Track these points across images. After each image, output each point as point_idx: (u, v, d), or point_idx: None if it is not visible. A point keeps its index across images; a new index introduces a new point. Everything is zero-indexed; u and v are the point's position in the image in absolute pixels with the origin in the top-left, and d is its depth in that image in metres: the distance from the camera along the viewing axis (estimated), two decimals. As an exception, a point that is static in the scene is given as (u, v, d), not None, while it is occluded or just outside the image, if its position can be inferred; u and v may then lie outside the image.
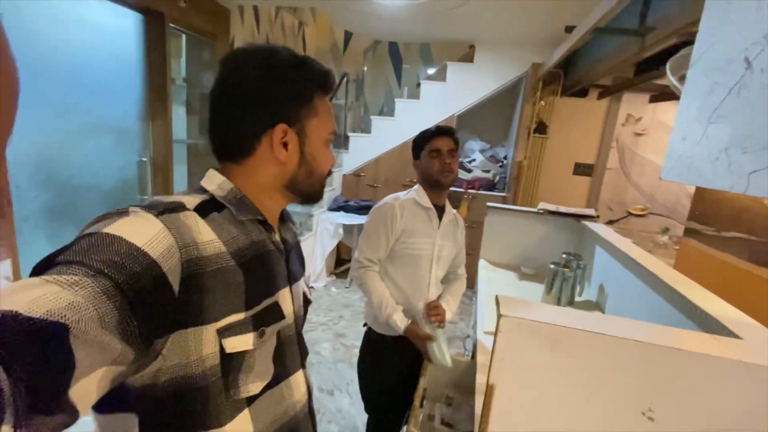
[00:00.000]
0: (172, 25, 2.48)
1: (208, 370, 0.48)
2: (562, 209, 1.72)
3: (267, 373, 0.56)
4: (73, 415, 0.34)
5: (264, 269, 0.57)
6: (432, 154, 1.24)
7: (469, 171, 3.56)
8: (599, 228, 1.53)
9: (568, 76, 3.32)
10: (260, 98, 0.55)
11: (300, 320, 0.66)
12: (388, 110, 4.24)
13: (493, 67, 3.36)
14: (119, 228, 0.41)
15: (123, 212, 0.44)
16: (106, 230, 0.41)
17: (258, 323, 0.53)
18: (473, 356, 1.22)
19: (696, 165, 0.94)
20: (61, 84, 1.90)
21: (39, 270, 0.38)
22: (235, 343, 0.50)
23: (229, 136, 0.57)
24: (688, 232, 1.15)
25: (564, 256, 1.46)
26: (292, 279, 0.64)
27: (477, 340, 1.21)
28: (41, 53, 1.76)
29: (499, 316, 0.63)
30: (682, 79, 1.50)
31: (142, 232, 0.42)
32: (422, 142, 1.27)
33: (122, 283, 0.38)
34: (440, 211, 1.31)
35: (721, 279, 1.00)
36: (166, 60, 2.44)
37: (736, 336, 0.64)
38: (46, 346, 0.31)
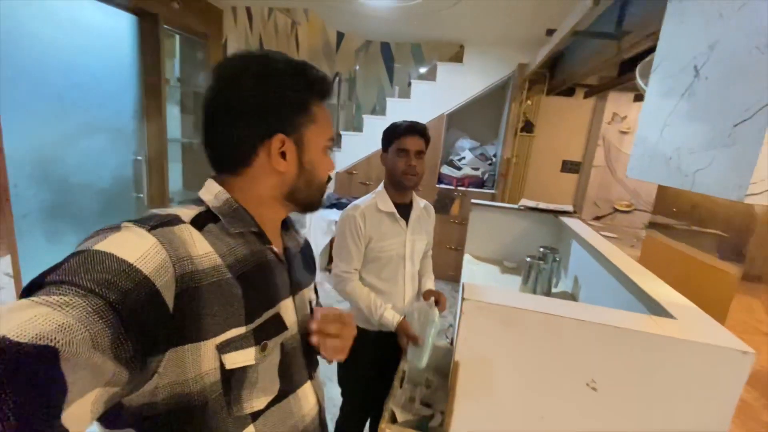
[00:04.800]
0: (165, 26, 2.53)
1: (207, 387, 0.47)
2: (542, 205, 1.80)
3: (272, 387, 0.54)
4: None
5: (263, 280, 0.55)
6: (399, 152, 1.21)
7: (459, 169, 3.64)
8: (574, 223, 1.62)
9: (555, 76, 3.40)
10: (256, 109, 0.54)
11: (306, 330, 0.63)
12: (380, 109, 4.31)
13: (482, 67, 3.43)
14: (110, 244, 0.40)
15: (114, 228, 0.43)
16: (96, 247, 0.40)
17: (260, 337, 0.52)
18: (452, 343, 1.30)
19: (654, 164, 1.02)
20: (56, 84, 1.95)
21: (29, 290, 0.37)
22: (236, 359, 0.49)
23: (226, 147, 0.56)
24: (652, 225, 1.24)
25: (541, 249, 1.55)
26: (295, 289, 0.62)
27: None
28: (36, 54, 1.81)
29: (462, 299, 0.71)
30: (651, 82, 1.58)
31: (134, 247, 0.41)
32: (391, 136, 1.24)
33: (114, 301, 0.37)
34: (407, 208, 1.30)
35: (679, 268, 1.09)
36: (160, 60, 2.49)
37: (671, 316, 0.73)
38: (36, 371, 0.30)
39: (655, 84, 1.10)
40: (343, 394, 1.38)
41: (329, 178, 0.65)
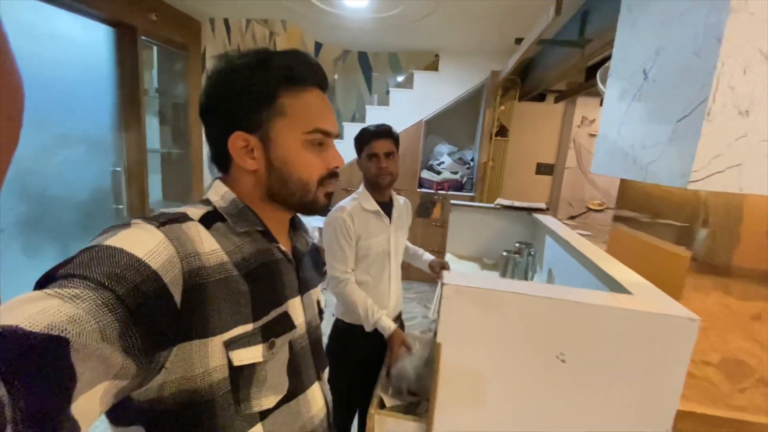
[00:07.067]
0: (143, 37, 2.54)
1: (215, 384, 0.47)
2: (516, 204, 1.89)
3: (281, 386, 0.55)
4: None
5: (271, 279, 0.55)
6: (370, 157, 1.29)
7: (438, 173, 3.74)
8: (547, 219, 1.71)
9: (526, 83, 3.56)
10: (217, 108, 0.55)
11: (314, 330, 0.64)
12: (359, 117, 4.38)
13: (457, 75, 3.56)
14: (120, 240, 0.41)
15: (125, 225, 0.45)
16: (107, 243, 0.41)
17: (267, 334, 0.52)
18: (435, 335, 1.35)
19: (614, 160, 1.12)
20: (33, 97, 1.93)
21: (41, 284, 0.37)
22: (244, 356, 0.49)
23: (211, 149, 0.58)
24: (617, 218, 1.33)
25: (517, 245, 1.63)
26: (303, 288, 0.62)
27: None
28: (13, 67, 1.78)
29: (442, 284, 0.76)
30: (611, 86, 1.71)
31: (143, 243, 0.42)
32: (361, 142, 1.32)
33: (123, 295, 0.37)
34: (389, 206, 1.38)
35: (642, 255, 1.18)
36: (139, 71, 2.49)
37: (629, 293, 0.80)
38: (47, 361, 0.31)
39: (612, 87, 1.20)
40: (330, 390, 1.41)
41: (331, 175, 0.59)
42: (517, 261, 1.48)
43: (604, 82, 1.68)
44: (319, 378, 0.64)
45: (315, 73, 0.57)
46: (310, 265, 0.67)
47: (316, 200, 0.58)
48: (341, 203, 1.34)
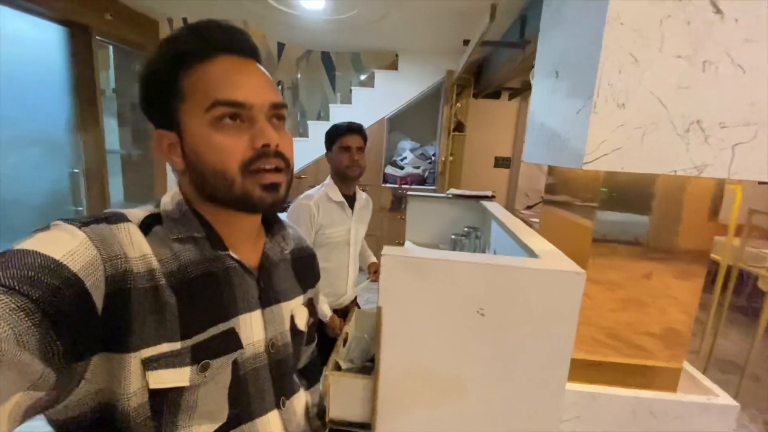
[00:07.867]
0: (98, 37, 2.51)
1: (132, 411, 0.42)
2: (466, 193, 2.06)
3: (219, 413, 0.48)
4: None
5: (212, 291, 0.49)
6: (342, 150, 1.42)
7: (401, 168, 3.89)
8: (492, 206, 1.88)
9: (480, 81, 3.76)
10: (143, 111, 0.51)
11: (279, 350, 0.56)
12: (324, 115, 4.46)
13: (415, 74, 3.71)
14: (34, 242, 0.38)
15: (44, 228, 0.41)
16: (19, 246, 0.37)
17: (199, 355, 0.46)
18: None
19: (538, 148, 1.28)
20: (-17, 98, 1.90)
21: None
22: (164, 378, 0.43)
23: None
24: (546, 202, 1.51)
25: (465, 229, 1.79)
26: (267, 301, 0.55)
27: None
28: (-38, 68, 1.77)
29: (381, 256, 0.89)
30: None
31: (61, 244, 0.38)
32: (333, 136, 1.44)
33: (39, 298, 0.34)
34: (352, 199, 1.51)
35: (563, 231, 1.35)
36: (95, 71, 2.48)
37: (536, 256, 0.96)
38: None
39: (536, 84, 1.37)
40: None
41: (260, 156, 0.47)
42: (463, 243, 1.63)
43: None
44: (279, 406, 0.55)
45: (212, 38, 0.48)
46: (288, 275, 0.62)
47: (247, 194, 0.48)
48: (310, 192, 1.45)
